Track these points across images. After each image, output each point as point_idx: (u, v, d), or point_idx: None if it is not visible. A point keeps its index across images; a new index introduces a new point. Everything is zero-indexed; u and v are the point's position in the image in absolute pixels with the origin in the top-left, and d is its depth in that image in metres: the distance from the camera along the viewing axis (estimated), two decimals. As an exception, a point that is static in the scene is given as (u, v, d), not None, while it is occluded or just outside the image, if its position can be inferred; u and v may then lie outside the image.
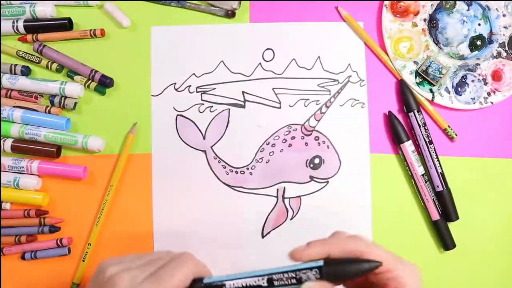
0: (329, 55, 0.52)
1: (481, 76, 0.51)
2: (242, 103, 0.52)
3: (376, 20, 0.52)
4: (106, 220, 0.51)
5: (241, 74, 0.52)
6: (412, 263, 0.36)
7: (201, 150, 0.51)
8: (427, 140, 0.50)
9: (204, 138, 0.51)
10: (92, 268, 0.50)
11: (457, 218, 0.50)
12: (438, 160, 0.50)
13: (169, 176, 0.51)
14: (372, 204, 0.51)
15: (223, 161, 0.51)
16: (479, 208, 0.51)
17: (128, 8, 0.52)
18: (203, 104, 0.52)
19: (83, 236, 0.51)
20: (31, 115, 0.50)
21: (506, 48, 0.51)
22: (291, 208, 0.51)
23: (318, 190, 0.51)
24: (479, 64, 0.51)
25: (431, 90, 0.51)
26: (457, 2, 0.52)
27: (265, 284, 0.33)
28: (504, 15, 0.51)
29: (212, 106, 0.52)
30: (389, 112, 0.51)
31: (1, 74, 0.51)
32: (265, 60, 0.52)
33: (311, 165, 0.51)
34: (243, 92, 0.52)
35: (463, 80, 0.52)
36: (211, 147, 0.51)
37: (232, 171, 0.51)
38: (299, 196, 0.51)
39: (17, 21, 0.51)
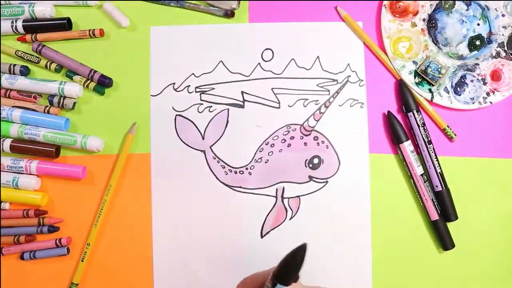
0: (328, 55, 0.52)
1: (480, 76, 0.51)
2: (241, 103, 0.52)
3: (375, 20, 0.52)
4: (105, 220, 0.51)
5: (240, 74, 0.52)
6: None
7: (200, 150, 0.51)
8: (426, 140, 0.50)
9: (203, 138, 0.51)
10: (91, 268, 0.50)
11: (456, 218, 0.50)
12: (437, 160, 0.50)
13: (168, 176, 0.51)
14: (371, 204, 0.51)
15: (222, 161, 0.51)
16: (478, 208, 0.51)
17: (127, 8, 0.52)
18: (202, 104, 0.52)
19: (82, 236, 0.51)
20: (30, 115, 0.50)
21: (505, 48, 0.51)
22: (290, 208, 0.51)
23: (317, 190, 0.51)
24: (478, 64, 0.51)
25: (430, 90, 0.51)
26: (456, 2, 0.52)
27: None
28: (503, 15, 0.51)
29: (211, 106, 0.52)
30: (388, 112, 0.51)
31: (0, 74, 0.51)
32: (264, 60, 0.52)
33: (310, 165, 0.51)
34: (242, 92, 0.52)
35: (462, 80, 0.52)
36: (210, 147, 0.51)
37: (231, 171, 0.51)
38: (298, 196, 0.51)
39: (16, 21, 0.51)
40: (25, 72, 0.51)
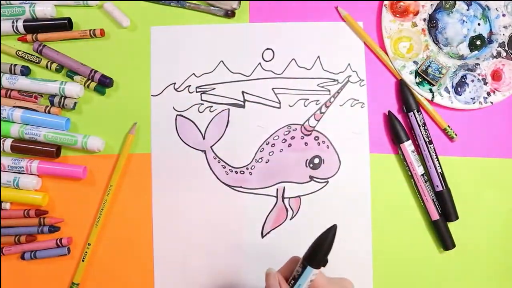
0: (328, 55, 0.52)
1: (481, 76, 0.51)
2: (242, 103, 0.52)
3: (376, 20, 0.52)
4: (105, 220, 0.51)
5: (240, 74, 0.52)
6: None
7: (200, 150, 0.51)
8: (426, 140, 0.50)
9: (203, 138, 0.51)
10: (92, 268, 0.50)
11: (457, 218, 0.50)
12: (438, 160, 0.50)
13: (168, 176, 0.51)
14: (371, 204, 0.51)
15: (223, 161, 0.51)
16: (478, 208, 0.51)
17: (127, 8, 0.52)
18: (202, 104, 0.52)
19: (83, 236, 0.51)
20: (30, 115, 0.50)
21: (506, 48, 0.51)
22: (291, 208, 0.51)
23: (318, 190, 0.51)
24: (479, 64, 0.51)
25: (430, 90, 0.51)
26: (457, 2, 0.52)
27: None
28: (503, 15, 0.51)
29: (211, 106, 0.52)
30: (389, 112, 0.51)
31: (1, 74, 0.51)
32: (264, 60, 0.52)
33: (311, 165, 0.51)
34: (242, 92, 0.52)
35: (463, 80, 0.52)
36: (211, 147, 0.51)
37: (231, 171, 0.51)
38: (298, 196, 0.51)
39: (16, 21, 0.51)
40: (25, 72, 0.51)
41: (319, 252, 0.35)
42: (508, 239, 0.51)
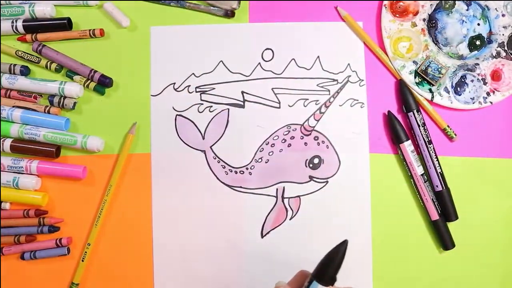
0: (328, 55, 0.52)
1: (481, 76, 0.51)
2: (242, 103, 0.52)
3: (376, 20, 0.52)
4: (105, 220, 0.51)
5: (240, 74, 0.52)
6: None
7: (200, 150, 0.51)
8: (426, 140, 0.50)
9: (203, 138, 0.51)
10: (91, 268, 0.50)
11: (457, 218, 0.50)
12: (438, 160, 0.50)
13: (168, 176, 0.51)
14: (371, 204, 0.51)
15: (223, 161, 0.51)
16: (478, 207, 0.52)
17: (127, 8, 0.52)
18: (202, 104, 0.52)
19: (83, 236, 0.51)
20: (30, 115, 0.50)
21: (506, 48, 0.51)
22: (291, 208, 0.51)
23: (318, 190, 0.51)
24: (479, 64, 0.51)
25: (430, 90, 0.51)
26: (457, 2, 0.52)
27: None
28: (503, 15, 0.51)
29: (211, 106, 0.52)
30: (389, 112, 0.51)
31: (1, 74, 0.51)
32: (264, 60, 0.52)
33: (311, 165, 0.51)
34: (242, 92, 0.52)
35: (463, 80, 0.52)
36: (211, 147, 0.51)
37: (231, 171, 0.51)
38: (298, 196, 0.51)
39: (16, 21, 0.51)
40: (25, 72, 0.51)
41: (329, 268, 0.33)
42: (508, 239, 0.51)
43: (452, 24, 0.52)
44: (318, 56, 0.52)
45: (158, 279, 0.50)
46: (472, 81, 0.51)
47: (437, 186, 0.50)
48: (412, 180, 0.50)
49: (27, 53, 0.51)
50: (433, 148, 0.50)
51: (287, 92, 0.52)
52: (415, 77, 0.51)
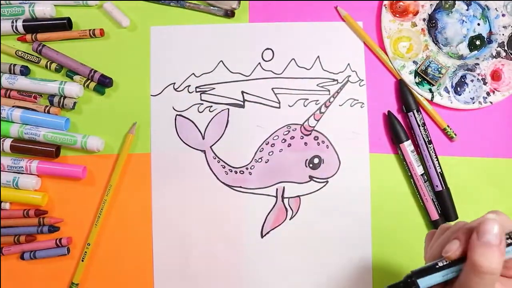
0: (328, 55, 0.52)
1: (481, 75, 0.51)
2: (242, 103, 0.52)
3: (376, 20, 0.52)
4: (105, 220, 0.51)
5: (240, 74, 0.52)
6: None
7: (200, 150, 0.51)
8: (426, 140, 0.50)
9: (203, 138, 0.51)
10: (91, 268, 0.50)
11: (457, 218, 0.50)
12: (438, 160, 0.50)
13: (168, 176, 0.51)
14: (371, 203, 0.51)
15: (223, 161, 0.51)
16: (478, 207, 0.51)
17: (127, 8, 0.52)
18: (202, 104, 0.52)
19: (82, 236, 0.51)
20: (30, 115, 0.50)
21: (506, 48, 0.51)
22: (291, 208, 0.51)
23: (318, 190, 0.51)
24: (479, 64, 0.51)
25: (430, 90, 0.51)
26: (457, 2, 0.52)
27: None
28: (503, 15, 0.51)
29: (211, 106, 0.52)
30: (389, 112, 0.51)
31: (1, 73, 0.51)
32: (264, 60, 0.52)
33: (311, 165, 0.51)
34: (242, 92, 0.52)
35: (463, 80, 0.52)
36: (211, 147, 0.51)
37: (231, 171, 0.51)
38: (298, 196, 0.51)
39: (16, 21, 0.51)
40: (25, 72, 0.51)
41: None
42: (508, 239, 0.51)
43: (452, 24, 0.52)
44: (318, 56, 0.52)
45: (158, 279, 0.50)
46: (472, 81, 0.51)
47: (437, 186, 0.50)
48: (412, 180, 0.50)
49: (27, 53, 0.51)
50: (433, 148, 0.50)
51: (287, 92, 0.52)
52: (415, 77, 0.51)
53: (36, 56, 0.51)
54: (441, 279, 0.31)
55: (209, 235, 0.51)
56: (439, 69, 0.50)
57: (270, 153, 0.51)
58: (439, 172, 0.50)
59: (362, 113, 0.52)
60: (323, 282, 0.50)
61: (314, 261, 0.51)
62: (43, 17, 0.51)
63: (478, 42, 0.52)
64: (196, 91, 0.52)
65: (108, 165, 0.51)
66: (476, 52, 0.52)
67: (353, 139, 0.51)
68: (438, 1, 0.52)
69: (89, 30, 0.51)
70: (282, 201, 0.51)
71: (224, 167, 0.51)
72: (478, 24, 0.52)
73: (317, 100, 0.52)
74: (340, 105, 0.52)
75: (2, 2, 0.51)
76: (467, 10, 0.52)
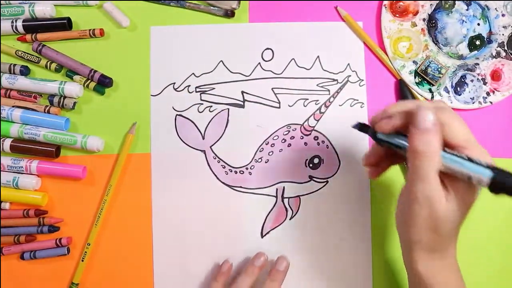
0: (328, 55, 0.52)
1: (480, 75, 0.51)
2: (242, 103, 0.52)
3: (376, 20, 0.52)
4: (105, 220, 0.51)
5: (240, 74, 0.52)
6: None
7: (200, 150, 0.51)
8: (426, 139, 0.50)
9: (203, 138, 0.51)
10: (91, 268, 0.50)
11: (457, 217, 0.50)
12: (438, 160, 0.50)
13: (168, 176, 0.51)
14: (371, 204, 0.51)
15: (223, 161, 0.51)
16: (477, 207, 0.51)
17: (127, 8, 0.52)
18: (202, 104, 0.52)
19: (82, 236, 0.51)
20: (30, 115, 0.50)
21: (506, 48, 0.51)
22: (291, 208, 0.51)
23: (318, 189, 0.51)
24: (478, 64, 0.51)
25: (430, 90, 0.51)
26: (456, 2, 0.52)
27: None
28: (503, 15, 0.51)
29: (211, 106, 0.52)
30: (389, 111, 0.51)
31: (0, 73, 0.51)
32: (264, 60, 0.52)
33: (311, 165, 0.51)
34: (242, 92, 0.52)
35: (462, 79, 0.52)
36: (211, 147, 0.51)
37: (231, 171, 0.51)
38: (298, 196, 0.51)
39: (16, 21, 0.51)
40: (25, 72, 0.51)
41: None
42: (508, 239, 0.51)
43: (452, 24, 0.52)
44: (318, 56, 0.52)
45: (158, 279, 0.50)
46: (472, 81, 0.51)
47: (437, 186, 0.50)
48: (412, 180, 0.50)
49: (27, 53, 0.51)
50: (433, 148, 0.50)
51: (287, 92, 0.52)
52: (415, 77, 0.51)
53: (36, 56, 0.51)
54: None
55: (209, 235, 0.51)
56: (439, 69, 0.51)
57: (270, 153, 0.51)
58: (439, 172, 0.50)
59: (362, 113, 0.52)
60: (323, 282, 0.50)
61: (314, 261, 0.51)
62: (43, 17, 0.51)
63: (478, 42, 0.52)
64: (196, 91, 0.52)
65: (108, 165, 0.51)
66: (476, 52, 0.52)
67: (353, 139, 0.51)
68: (438, 1, 0.52)
69: (89, 30, 0.51)
70: (282, 201, 0.51)
71: (224, 167, 0.51)
72: (478, 24, 0.52)
73: (317, 100, 0.52)
74: (340, 105, 0.52)
75: (2, 2, 0.51)
76: (467, 10, 0.52)
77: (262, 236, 0.51)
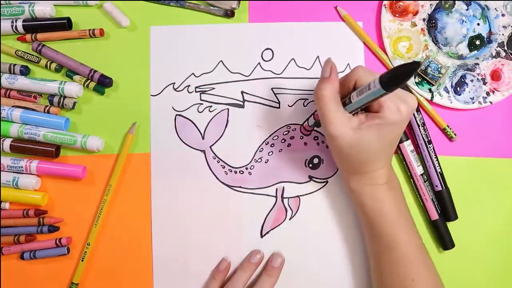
0: (328, 55, 0.52)
1: (480, 75, 0.51)
2: (241, 103, 0.52)
3: (375, 20, 0.52)
4: (105, 220, 0.51)
5: (240, 74, 0.52)
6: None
7: (200, 150, 0.51)
8: (426, 139, 0.50)
9: (203, 138, 0.51)
10: (91, 268, 0.50)
11: (456, 217, 0.50)
12: (437, 160, 0.50)
13: (168, 176, 0.51)
14: (371, 203, 0.51)
15: (222, 161, 0.51)
16: (478, 207, 0.51)
17: (127, 8, 0.52)
18: (202, 104, 0.52)
19: (82, 236, 0.51)
20: (30, 114, 0.50)
21: (505, 48, 0.51)
22: (290, 208, 0.51)
23: (317, 190, 0.51)
24: (478, 64, 0.51)
25: (430, 90, 0.51)
26: (456, 1, 0.52)
27: None
28: (503, 15, 0.51)
29: (211, 106, 0.52)
30: (388, 111, 0.51)
31: (0, 73, 0.51)
32: (264, 60, 0.52)
33: (310, 165, 0.51)
34: (242, 92, 0.52)
35: (462, 79, 0.52)
36: (210, 147, 0.51)
37: (231, 171, 0.51)
38: (298, 196, 0.51)
39: (16, 21, 0.51)
40: (25, 71, 0.51)
41: (398, 79, 0.34)
42: (508, 239, 0.51)
43: (452, 24, 0.52)
44: (318, 56, 0.52)
45: (158, 279, 0.50)
46: (471, 81, 0.51)
47: (436, 186, 0.50)
48: (411, 180, 0.50)
49: (27, 53, 0.51)
50: (433, 148, 0.50)
51: (286, 92, 0.52)
52: (415, 77, 0.51)
53: (36, 56, 0.51)
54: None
55: (208, 235, 0.51)
56: (439, 69, 0.50)
57: (270, 153, 0.51)
58: (439, 172, 0.50)
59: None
60: (323, 281, 0.50)
61: (313, 261, 0.51)
62: (43, 17, 0.51)
63: (478, 42, 0.52)
64: (196, 91, 0.52)
65: (108, 165, 0.51)
66: (476, 52, 0.52)
67: (353, 139, 0.51)
68: (438, 1, 0.52)
69: (89, 30, 0.51)
70: (282, 201, 0.51)
71: (223, 167, 0.51)
72: (478, 24, 0.52)
73: (317, 100, 0.52)
74: (340, 105, 0.52)
75: (2, 2, 0.52)
76: (467, 10, 0.52)
77: (261, 236, 0.51)
